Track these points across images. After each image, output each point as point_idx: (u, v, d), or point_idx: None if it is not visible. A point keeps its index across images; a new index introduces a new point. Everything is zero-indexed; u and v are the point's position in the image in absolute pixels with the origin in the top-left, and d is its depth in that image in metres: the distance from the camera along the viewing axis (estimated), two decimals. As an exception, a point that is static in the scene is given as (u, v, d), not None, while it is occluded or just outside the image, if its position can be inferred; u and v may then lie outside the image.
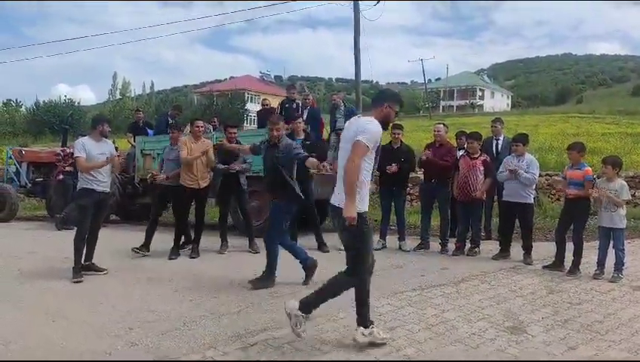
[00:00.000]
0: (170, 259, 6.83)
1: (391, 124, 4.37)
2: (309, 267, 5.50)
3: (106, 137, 6.08)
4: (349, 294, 4.84)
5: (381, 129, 3.64)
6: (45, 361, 3.49)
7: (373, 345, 3.62)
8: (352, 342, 3.69)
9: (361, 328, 3.68)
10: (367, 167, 3.64)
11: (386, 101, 3.77)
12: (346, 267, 3.75)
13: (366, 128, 3.56)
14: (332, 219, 3.90)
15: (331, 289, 3.78)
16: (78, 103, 45.46)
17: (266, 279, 5.40)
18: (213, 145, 7.24)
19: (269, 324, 4.15)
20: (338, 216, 3.63)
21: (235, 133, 7.47)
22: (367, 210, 3.71)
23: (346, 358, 3.51)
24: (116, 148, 10.53)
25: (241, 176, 7.44)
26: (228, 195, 7.55)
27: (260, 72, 68.96)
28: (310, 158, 5.37)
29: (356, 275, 3.71)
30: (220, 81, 75.72)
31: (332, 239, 7.83)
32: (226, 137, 7.44)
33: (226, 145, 6.96)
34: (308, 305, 3.73)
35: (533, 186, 6.81)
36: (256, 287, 5.27)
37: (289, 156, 5.44)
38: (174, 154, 7.05)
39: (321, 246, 7.44)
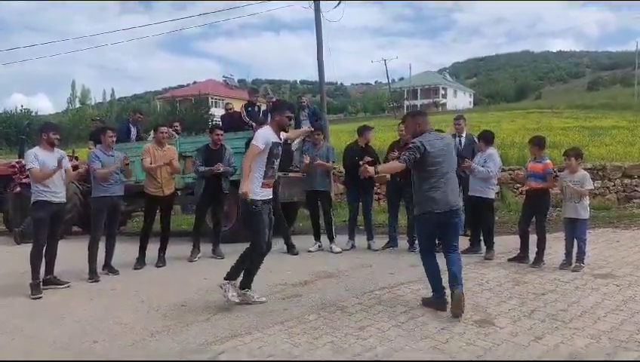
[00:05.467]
0: (135, 269, 6.68)
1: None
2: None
3: (55, 145, 5.70)
4: (317, 295, 4.82)
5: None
6: (45, 361, 3.33)
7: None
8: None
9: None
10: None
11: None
12: None
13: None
14: None
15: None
16: (36, 113, 44.24)
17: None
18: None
19: (238, 330, 4.10)
20: None
21: (222, 134, 7.41)
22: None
23: (319, 356, 3.49)
24: (76, 158, 10.33)
25: (224, 181, 7.33)
26: (209, 201, 7.41)
27: (224, 77, 68.19)
28: None
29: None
30: (183, 86, 74.62)
31: (300, 242, 7.82)
32: (212, 140, 7.35)
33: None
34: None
35: (493, 181, 6.83)
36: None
37: None
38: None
39: (290, 249, 7.39)
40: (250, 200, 4.57)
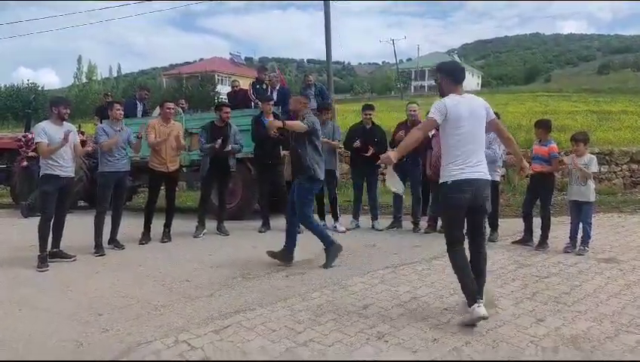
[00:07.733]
0: (140, 243, 6.73)
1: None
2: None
3: (65, 120, 5.73)
4: (321, 273, 4.85)
5: None
6: (45, 361, 3.37)
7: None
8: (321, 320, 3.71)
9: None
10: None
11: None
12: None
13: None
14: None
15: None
16: (42, 88, 44.07)
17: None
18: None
19: (242, 306, 4.13)
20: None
21: (229, 112, 7.37)
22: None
23: (321, 332, 3.52)
24: (82, 133, 10.35)
25: (230, 158, 7.33)
26: (215, 177, 7.41)
27: (230, 54, 67.76)
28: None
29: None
30: (189, 63, 74.26)
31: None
32: (220, 117, 7.32)
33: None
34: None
35: (499, 163, 6.79)
36: (273, 257, 5.53)
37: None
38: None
39: (295, 228, 7.40)
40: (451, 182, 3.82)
